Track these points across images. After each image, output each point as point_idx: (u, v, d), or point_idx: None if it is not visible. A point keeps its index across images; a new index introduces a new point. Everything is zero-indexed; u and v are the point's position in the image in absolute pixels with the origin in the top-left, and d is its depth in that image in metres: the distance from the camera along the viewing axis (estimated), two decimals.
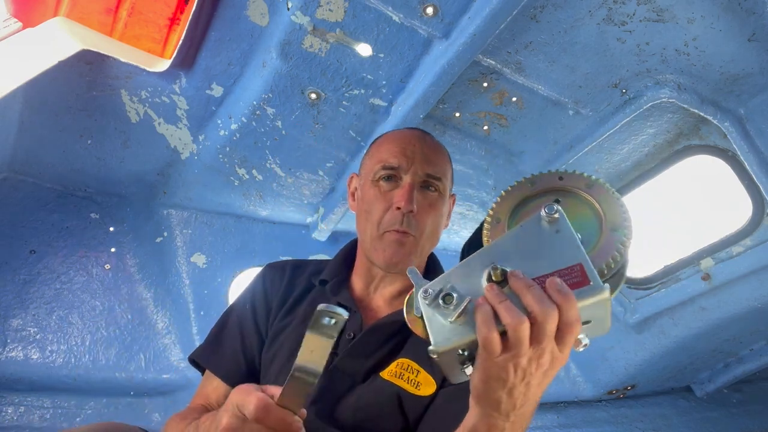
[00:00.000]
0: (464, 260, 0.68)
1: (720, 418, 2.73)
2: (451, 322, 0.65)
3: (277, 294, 1.21)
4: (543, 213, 0.65)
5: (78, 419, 1.69)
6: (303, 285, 1.22)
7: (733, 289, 2.10)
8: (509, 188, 0.74)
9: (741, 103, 1.77)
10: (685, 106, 1.75)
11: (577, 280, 0.63)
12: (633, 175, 2.17)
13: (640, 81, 1.74)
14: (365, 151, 1.27)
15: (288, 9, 1.44)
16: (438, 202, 1.16)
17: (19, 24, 1.50)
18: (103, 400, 1.74)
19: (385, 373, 1.06)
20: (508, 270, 0.65)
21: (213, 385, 1.16)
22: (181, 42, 1.48)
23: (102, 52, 1.48)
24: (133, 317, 1.83)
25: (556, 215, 0.65)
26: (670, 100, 1.75)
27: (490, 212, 0.73)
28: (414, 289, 0.71)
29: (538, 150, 2.02)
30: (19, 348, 1.65)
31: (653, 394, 2.77)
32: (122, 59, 1.51)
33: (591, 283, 0.62)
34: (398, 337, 1.09)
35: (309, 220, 2.19)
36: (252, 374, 1.16)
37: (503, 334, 0.62)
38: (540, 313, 0.61)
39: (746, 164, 1.82)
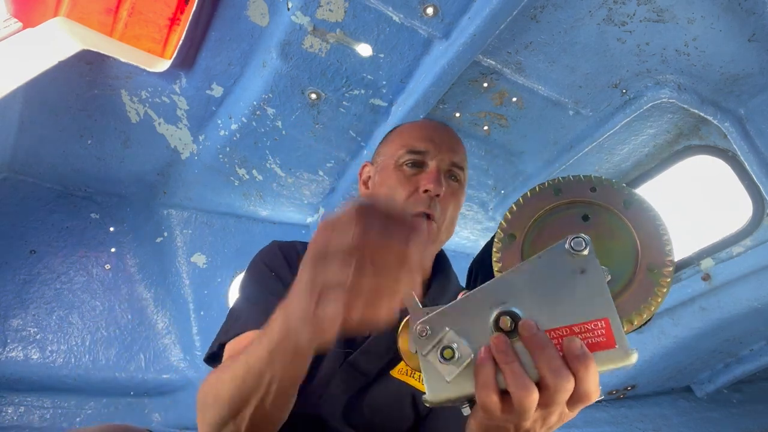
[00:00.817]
0: (468, 294, 0.57)
1: (720, 418, 2.73)
2: (448, 381, 0.55)
3: (296, 268, 1.15)
4: (568, 246, 0.53)
5: (78, 419, 1.69)
6: None
7: (733, 290, 2.10)
8: (528, 194, 0.59)
9: (741, 103, 1.77)
10: (685, 106, 1.75)
11: (601, 340, 0.52)
12: (633, 176, 2.17)
13: (640, 81, 1.74)
14: (381, 142, 1.26)
15: (288, 9, 1.44)
16: (459, 192, 1.16)
17: (20, 24, 1.50)
18: (103, 400, 1.74)
19: (396, 371, 1.05)
20: (519, 318, 0.54)
21: (250, 340, 1.01)
22: (181, 42, 1.48)
23: (102, 52, 1.48)
24: (133, 317, 1.83)
25: (585, 252, 0.53)
26: (670, 101, 1.75)
27: (503, 224, 0.59)
28: (410, 320, 0.59)
29: (538, 150, 2.02)
30: (19, 348, 1.65)
31: (653, 395, 2.77)
32: (122, 59, 1.51)
33: (616, 346, 0.52)
34: None
35: (309, 220, 2.19)
36: None
37: (506, 391, 0.54)
38: (553, 384, 0.52)
39: (746, 164, 1.82)
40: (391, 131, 1.26)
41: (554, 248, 0.54)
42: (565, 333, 0.53)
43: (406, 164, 1.12)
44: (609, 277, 0.54)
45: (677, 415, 2.71)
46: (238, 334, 1.02)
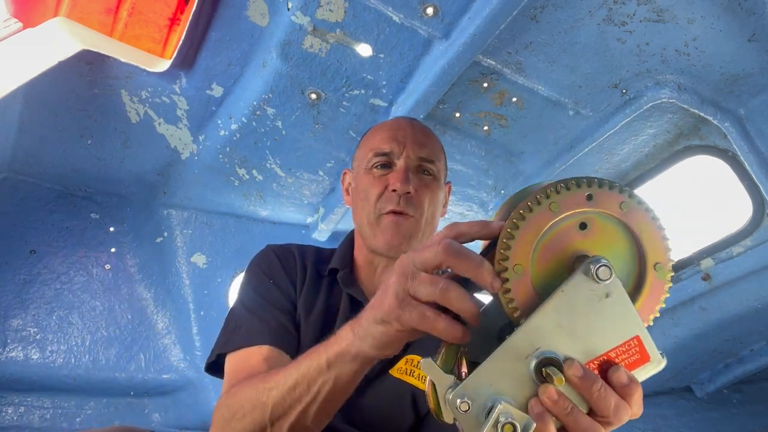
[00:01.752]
0: (499, 350, 0.53)
1: (720, 418, 2.73)
2: None
3: (294, 275, 1.17)
4: (593, 275, 0.51)
5: (78, 419, 1.69)
6: (312, 270, 1.18)
7: (734, 290, 2.10)
8: (522, 214, 0.53)
9: (741, 103, 1.77)
10: (685, 106, 1.75)
11: (636, 357, 0.53)
12: (633, 176, 2.17)
13: (640, 81, 1.74)
14: (356, 147, 1.27)
15: (288, 9, 1.44)
16: (433, 185, 1.15)
17: (20, 24, 1.50)
18: (103, 400, 1.74)
19: (395, 371, 1.05)
20: (559, 361, 0.52)
21: (260, 356, 1.00)
22: (181, 42, 1.48)
23: (102, 52, 1.48)
24: (133, 317, 1.83)
25: (609, 280, 0.51)
26: (670, 101, 1.75)
27: (506, 254, 0.54)
28: (436, 386, 0.55)
29: (538, 150, 2.02)
30: (19, 348, 1.65)
31: (653, 395, 2.77)
32: (122, 59, 1.51)
33: (651, 358, 0.53)
34: None
35: (309, 220, 2.19)
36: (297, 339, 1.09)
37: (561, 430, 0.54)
38: (615, 419, 0.53)
39: (746, 164, 1.82)
40: (363, 136, 1.27)
41: (574, 279, 0.52)
42: (603, 360, 0.53)
43: (375, 167, 1.14)
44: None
45: (677, 415, 2.71)
46: (239, 347, 1.02)
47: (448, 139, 1.93)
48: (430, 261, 0.57)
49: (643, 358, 0.53)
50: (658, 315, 0.56)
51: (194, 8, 1.43)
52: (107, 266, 1.82)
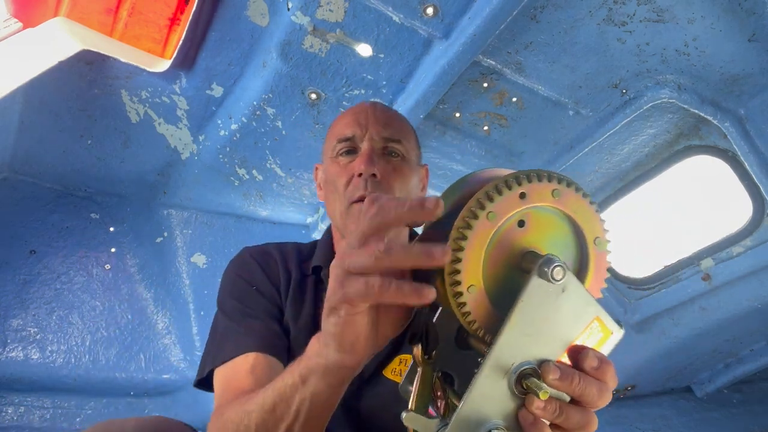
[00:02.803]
0: (476, 379, 0.52)
1: (720, 418, 2.73)
2: None
3: (277, 278, 1.13)
4: (546, 277, 0.51)
5: (78, 419, 1.69)
6: (296, 272, 1.14)
7: (734, 290, 2.10)
8: (462, 232, 0.52)
9: (741, 103, 1.77)
10: (685, 106, 1.75)
11: (600, 336, 0.55)
12: (633, 176, 2.17)
13: (641, 81, 1.74)
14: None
15: (288, 9, 1.44)
16: (403, 167, 1.08)
17: (20, 24, 1.50)
18: (103, 400, 1.74)
19: (388, 371, 1.04)
20: (534, 368, 0.53)
21: (247, 366, 0.96)
22: (181, 42, 1.48)
23: (102, 52, 1.48)
24: (133, 317, 1.83)
25: (561, 281, 0.51)
26: (670, 101, 1.75)
27: (457, 279, 0.52)
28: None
29: (538, 150, 2.02)
30: (19, 348, 1.65)
31: (653, 395, 2.77)
32: (122, 59, 1.51)
33: (613, 333, 0.55)
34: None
35: (309, 220, 2.19)
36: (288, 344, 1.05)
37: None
38: (599, 402, 0.54)
39: (746, 164, 1.82)
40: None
41: (530, 286, 0.51)
42: (572, 348, 0.54)
43: (340, 154, 1.09)
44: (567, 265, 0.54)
45: (677, 415, 2.71)
46: (227, 359, 0.98)
47: (448, 139, 1.93)
48: (366, 231, 0.53)
49: (606, 335, 0.55)
50: (605, 286, 0.58)
51: (194, 8, 1.43)
52: (107, 266, 1.82)
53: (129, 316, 1.82)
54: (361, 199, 1.02)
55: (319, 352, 0.61)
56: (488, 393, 0.53)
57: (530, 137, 1.95)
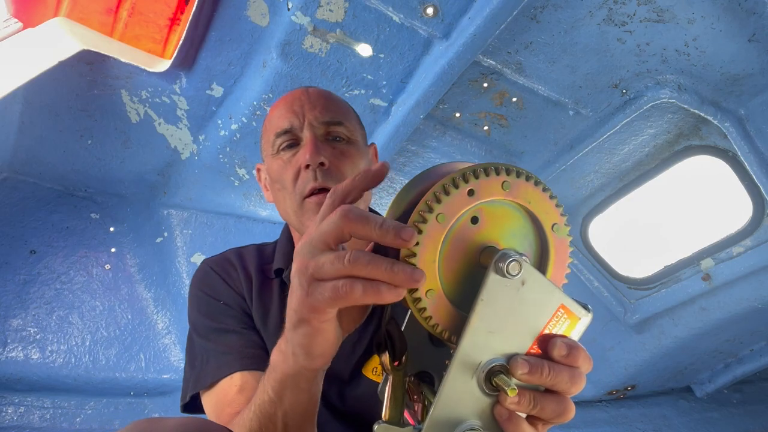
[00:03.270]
0: (444, 382, 0.52)
1: (720, 418, 2.73)
2: None
3: (239, 284, 1.09)
4: (503, 273, 0.50)
5: (78, 419, 1.69)
6: (257, 275, 1.10)
7: (734, 290, 2.10)
8: (418, 245, 0.50)
9: (741, 103, 1.77)
10: (686, 106, 1.75)
11: (567, 322, 0.53)
12: (633, 176, 2.17)
13: (641, 81, 1.74)
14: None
15: (288, 9, 1.44)
16: (350, 150, 1.02)
17: (20, 24, 1.50)
18: (103, 400, 1.74)
19: (368, 371, 1.01)
20: (502, 364, 0.53)
21: (235, 388, 0.94)
22: (181, 42, 1.48)
23: (102, 52, 1.48)
24: (133, 317, 1.83)
25: (518, 274, 0.50)
26: (671, 101, 1.75)
27: (414, 288, 0.51)
28: None
29: (539, 150, 2.02)
30: (19, 348, 1.65)
31: (653, 395, 2.77)
32: (122, 59, 1.51)
33: (581, 318, 0.54)
34: (370, 327, 1.02)
35: None
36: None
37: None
38: (573, 389, 0.53)
39: (746, 164, 1.82)
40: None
41: (489, 283, 0.50)
42: (540, 337, 0.53)
43: (282, 149, 1.01)
44: (529, 261, 0.54)
45: (677, 416, 2.71)
46: (210, 383, 0.95)
47: (448, 139, 1.93)
48: (329, 235, 0.50)
49: (573, 321, 0.54)
50: (569, 271, 0.57)
51: (194, 8, 1.43)
52: (107, 266, 1.82)
53: (129, 316, 1.82)
54: (313, 192, 0.96)
55: (286, 361, 0.59)
56: (459, 394, 0.52)
57: (530, 137, 1.96)
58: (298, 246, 0.53)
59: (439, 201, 0.50)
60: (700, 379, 2.76)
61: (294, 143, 1.01)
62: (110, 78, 1.55)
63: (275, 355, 0.62)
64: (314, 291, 0.50)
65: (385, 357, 0.58)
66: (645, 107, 1.79)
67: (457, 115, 1.85)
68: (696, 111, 1.76)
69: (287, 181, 0.99)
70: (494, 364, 0.52)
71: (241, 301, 1.07)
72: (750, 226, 2.01)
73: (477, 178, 0.50)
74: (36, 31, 1.51)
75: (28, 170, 1.70)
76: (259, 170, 1.16)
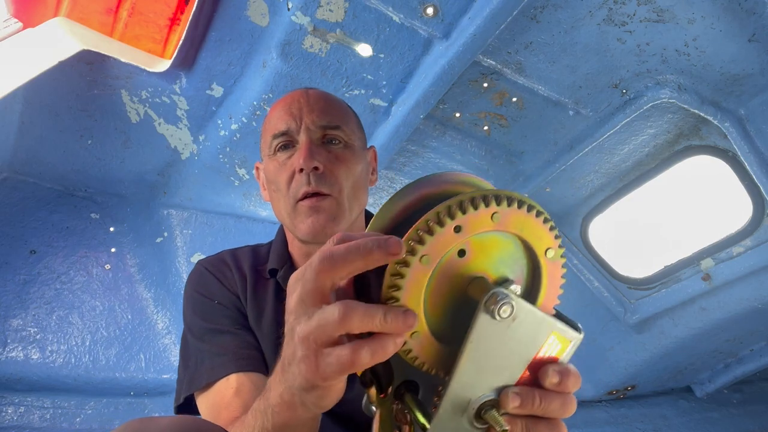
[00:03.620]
0: (435, 421, 0.51)
1: (720, 418, 2.73)
2: None
3: (233, 283, 1.09)
4: (496, 316, 0.47)
5: (78, 419, 1.69)
6: (251, 274, 1.10)
7: (734, 290, 2.10)
8: (396, 284, 0.47)
9: (741, 103, 1.77)
10: (686, 106, 1.75)
11: (558, 347, 0.52)
12: (633, 176, 2.17)
13: (641, 81, 1.74)
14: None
15: (288, 9, 1.44)
16: (346, 154, 1.02)
17: (20, 24, 1.50)
18: (103, 400, 1.74)
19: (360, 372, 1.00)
20: (494, 400, 0.51)
21: (231, 390, 0.93)
22: (181, 42, 1.48)
23: (102, 52, 1.48)
24: (133, 317, 1.83)
25: (507, 315, 0.47)
26: (671, 101, 1.75)
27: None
28: None
29: (539, 150, 2.02)
30: (19, 348, 1.65)
31: (653, 395, 2.77)
32: (122, 59, 1.51)
33: (572, 342, 0.52)
34: None
35: None
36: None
37: None
38: (563, 413, 0.53)
39: (746, 164, 1.82)
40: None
41: (478, 325, 0.47)
42: (531, 365, 0.52)
43: (278, 150, 1.02)
44: (519, 290, 0.51)
45: (677, 416, 2.71)
46: (205, 384, 0.94)
47: (448, 139, 1.93)
48: (315, 292, 0.48)
49: (564, 345, 0.52)
50: (562, 292, 0.54)
51: (194, 8, 1.43)
52: (107, 266, 1.82)
53: (129, 316, 1.82)
54: (306, 196, 0.97)
55: (293, 410, 0.57)
56: (450, 431, 0.51)
57: (530, 137, 1.96)
58: (293, 304, 0.50)
59: (422, 242, 0.46)
60: (700, 379, 2.76)
61: (289, 145, 1.01)
62: (110, 78, 1.55)
63: (276, 399, 0.59)
64: (322, 362, 0.48)
65: (372, 391, 0.56)
66: (645, 107, 1.79)
67: (457, 115, 1.85)
68: (696, 111, 1.76)
69: (282, 183, 1.00)
70: (485, 400, 0.51)
71: (236, 300, 1.07)
72: (750, 226, 2.01)
73: (464, 212, 0.46)
74: (36, 31, 1.52)
75: (28, 170, 1.70)
76: (258, 168, 1.17)
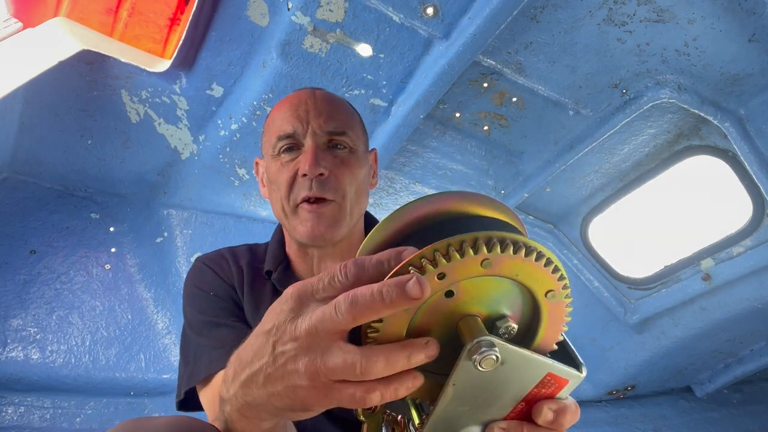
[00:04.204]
0: None
1: (720, 418, 2.73)
2: None
3: (230, 276, 1.09)
4: (476, 366, 0.44)
5: (78, 419, 1.69)
6: (248, 270, 1.10)
7: (734, 290, 2.10)
8: (374, 338, 0.45)
9: (741, 103, 1.77)
10: (686, 106, 1.75)
11: (554, 386, 0.49)
12: (633, 176, 2.17)
13: (641, 81, 1.74)
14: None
15: (288, 9, 1.44)
16: (351, 160, 1.02)
17: (20, 24, 1.50)
18: (103, 400, 1.74)
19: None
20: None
21: None
22: (181, 42, 1.48)
23: (102, 52, 1.48)
24: (133, 317, 1.83)
25: (489, 367, 0.44)
26: (671, 101, 1.75)
27: None
28: None
29: (538, 150, 2.02)
30: (19, 348, 1.65)
31: (653, 395, 2.77)
32: (122, 59, 1.51)
33: (569, 381, 0.49)
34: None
35: None
36: None
37: None
38: None
39: (746, 165, 1.82)
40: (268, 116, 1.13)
41: (459, 370, 0.45)
42: (522, 406, 0.50)
43: (282, 151, 1.01)
44: (514, 328, 0.48)
45: (677, 416, 2.71)
46: (204, 377, 0.94)
47: (448, 139, 1.93)
48: (334, 329, 0.45)
49: (561, 384, 0.49)
50: (566, 329, 0.51)
51: (194, 8, 1.43)
52: (107, 266, 1.82)
53: (129, 316, 1.82)
54: (306, 200, 0.97)
55: (264, 420, 0.56)
56: None
57: (530, 137, 1.95)
58: (299, 331, 0.47)
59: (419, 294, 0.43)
60: (700, 379, 2.76)
61: (294, 147, 1.01)
62: (110, 78, 1.55)
63: (234, 415, 0.57)
64: (331, 396, 0.46)
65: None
66: (645, 107, 1.79)
67: (457, 115, 1.85)
68: (696, 111, 1.76)
69: (283, 184, 0.99)
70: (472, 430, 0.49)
71: (232, 292, 1.07)
72: (750, 226, 2.01)
73: (449, 260, 0.42)
74: (36, 31, 1.51)
75: (28, 170, 1.70)
76: (257, 164, 1.16)
